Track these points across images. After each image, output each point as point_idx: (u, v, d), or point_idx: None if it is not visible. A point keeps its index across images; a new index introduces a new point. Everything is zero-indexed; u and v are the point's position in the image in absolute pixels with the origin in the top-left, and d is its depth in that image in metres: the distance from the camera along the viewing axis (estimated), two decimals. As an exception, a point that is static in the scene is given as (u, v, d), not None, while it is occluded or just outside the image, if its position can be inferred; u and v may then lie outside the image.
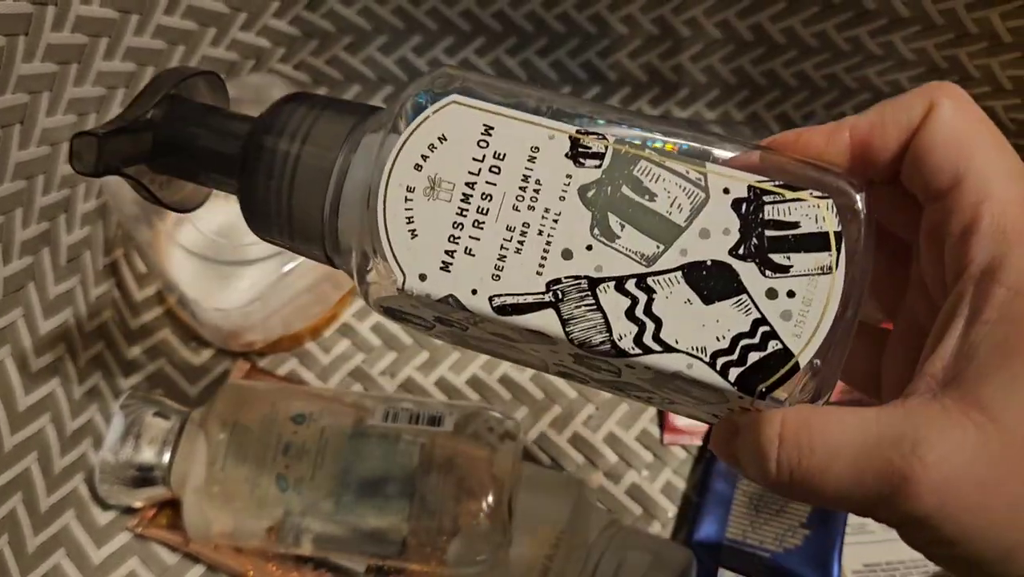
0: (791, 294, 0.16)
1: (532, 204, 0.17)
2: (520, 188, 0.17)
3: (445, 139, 0.17)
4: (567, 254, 0.17)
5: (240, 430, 0.32)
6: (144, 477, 0.33)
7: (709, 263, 0.17)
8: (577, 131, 0.17)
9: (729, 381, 0.16)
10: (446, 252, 0.17)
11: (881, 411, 0.16)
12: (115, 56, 0.35)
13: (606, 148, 0.17)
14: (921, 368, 0.16)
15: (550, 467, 0.38)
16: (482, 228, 0.17)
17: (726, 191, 0.17)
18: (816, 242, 0.16)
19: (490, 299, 0.17)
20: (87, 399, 0.37)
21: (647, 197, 0.17)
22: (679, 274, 0.17)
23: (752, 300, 0.16)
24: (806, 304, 0.16)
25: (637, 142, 0.17)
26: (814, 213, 0.17)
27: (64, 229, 0.36)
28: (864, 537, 0.36)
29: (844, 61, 0.43)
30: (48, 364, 0.35)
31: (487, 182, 0.17)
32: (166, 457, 0.33)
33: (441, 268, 0.17)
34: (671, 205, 0.17)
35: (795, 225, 0.17)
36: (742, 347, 0.16)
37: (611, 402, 0.40)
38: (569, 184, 0.17)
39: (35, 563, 0.33)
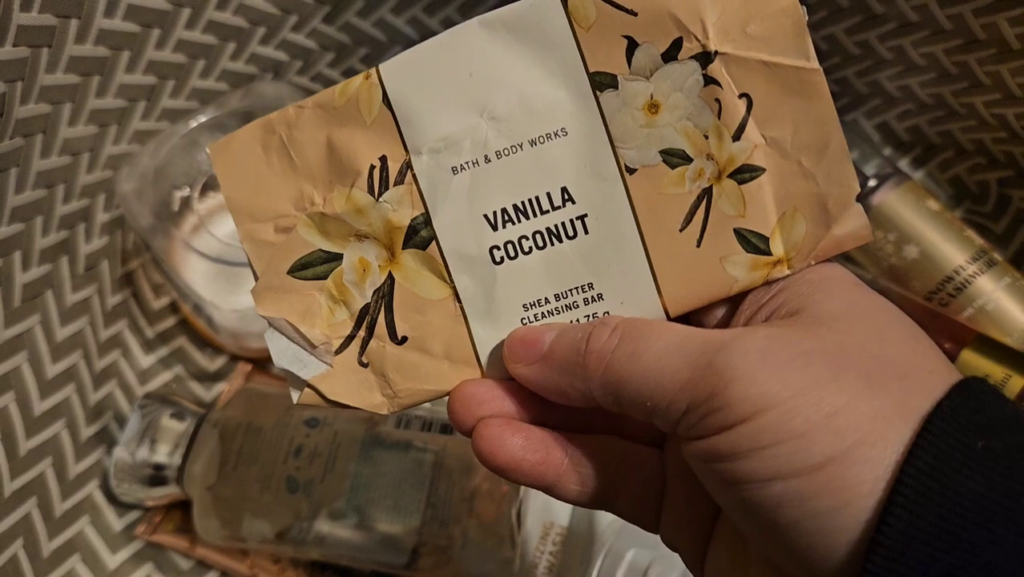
0: None
1: None
2: None
3: None
4: None
5: (253, 432, 0.32)
6: (158, 476, 0.33)
7: None
8: None
9: None
10: None
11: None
12: (137, 69, 0.36)
13: None
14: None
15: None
16: None
17: None
18: None
19: None
20: (102, 406, 0.37)
21: None
22: None
23: None
24: None
25: None
26: None
27: (83, 238, 0.36)
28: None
29: (855, 65, 0.43)
30: (64, 371, 0.35)
31: None
32: (180, 457, 0.33)
33: None
34: None
35: None
36: None
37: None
38: None
39: (50, 568, 0.33)
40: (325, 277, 0.19)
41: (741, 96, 0.18)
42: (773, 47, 0.17)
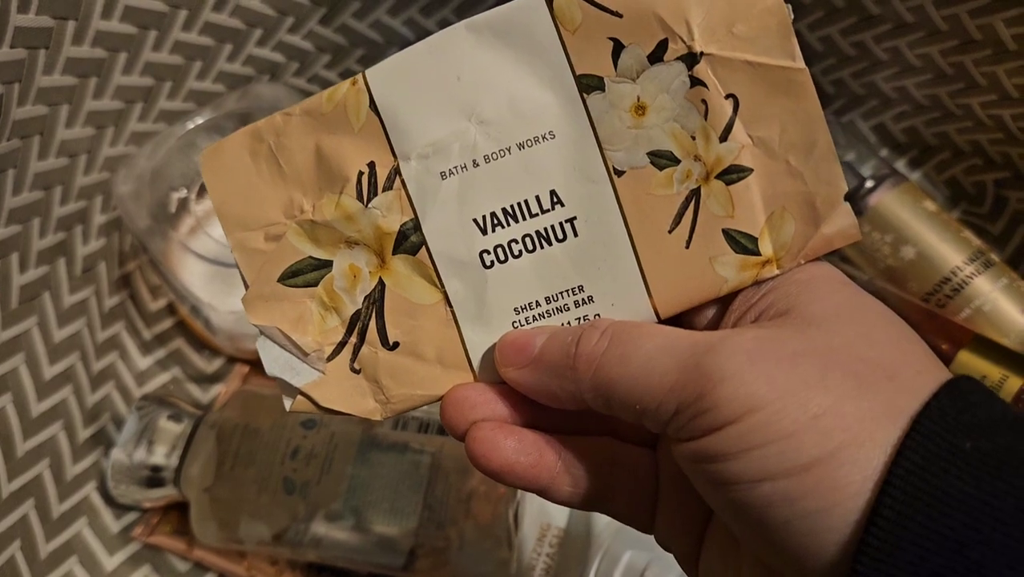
0: None
1: None
2: None
3: None
4: None
5: (251, 433, 0.32)
6: (156, 478, 0.33)
7: None
8: None
9: None
10: None
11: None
12: (134, 71, 0.36)
13: None
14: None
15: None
16: None
17: None
18: None
19: None
20: (99, 408, 0.37)
21: None
22: None
23: None
24: None
25: None
26: None
27: (80, 240, 0.36)
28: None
29: (851, 66, 0.43)
30: (61, 372, 0.35)
31: None
32: (177, 459, 0.33)
33: None
34: None
35: None
36: None
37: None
38: None
39: (47, 570, 0.33)
40: (316, 284, 0.19)
41: (727, 97, 0.18)
42: (758, 47, 0.18)
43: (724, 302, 0.18)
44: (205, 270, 0.34)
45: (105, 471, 0.35)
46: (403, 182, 0.19)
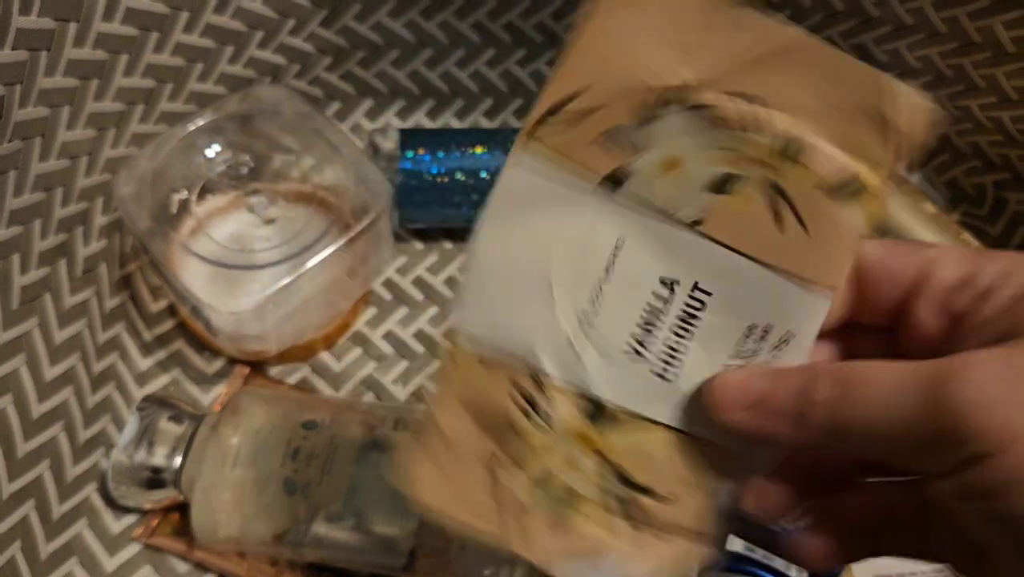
0: None
1: None
2: None
3: None
4: None
5: (251, 434, 0.32)
6: (156, 479, 0.33)
7: None
8: None
9: None
10: None
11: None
12: (135, 72, 0.36)
13: None
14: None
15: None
16: None
17: None
18: None
19: None
20: (100, 409, 0.37)
21: None
22: None
23: None
24: None
25: None
26: None
27: (81, 241, 0.37)
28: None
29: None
30: (62, 373, 0.35)
31: None
32: (178, 460, 0.33)
33: None
34: None
35: None
36: None
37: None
38: None
39: (48, 571, 0.33)
40: (554, 492, 0.20)
41: (745, 99, 0.18)
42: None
43: (949, 317, 0.18)
44: (206, 271, 0.35)
45: (106, 472, 0.35)
46: (551, 379, 0.19)
